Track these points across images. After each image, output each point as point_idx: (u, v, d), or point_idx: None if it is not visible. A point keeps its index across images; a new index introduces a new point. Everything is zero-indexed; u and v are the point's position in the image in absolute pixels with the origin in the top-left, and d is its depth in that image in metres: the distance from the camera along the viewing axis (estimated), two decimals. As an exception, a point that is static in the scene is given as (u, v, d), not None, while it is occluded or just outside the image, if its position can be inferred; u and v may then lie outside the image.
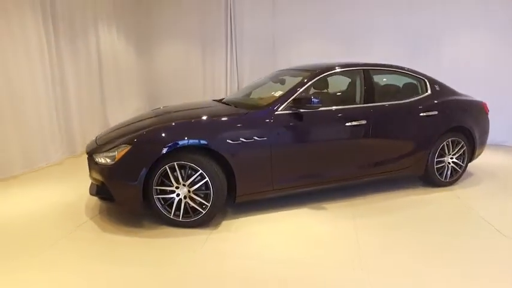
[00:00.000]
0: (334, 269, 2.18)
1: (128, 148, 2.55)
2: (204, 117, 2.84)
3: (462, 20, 5.54)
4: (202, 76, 6.50)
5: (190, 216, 2.69)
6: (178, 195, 2.65)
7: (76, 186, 3.56)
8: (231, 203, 2.88)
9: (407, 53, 5.79)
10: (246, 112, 2.91)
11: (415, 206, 3.19)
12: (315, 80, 3.12)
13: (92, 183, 2.93)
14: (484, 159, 4.79)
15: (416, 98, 3.50)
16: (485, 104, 3.88)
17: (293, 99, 2.90)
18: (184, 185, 2.64)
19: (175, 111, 3.17)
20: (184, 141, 2.57)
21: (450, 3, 5.53)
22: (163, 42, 6.60)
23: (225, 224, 2.82)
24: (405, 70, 3.63)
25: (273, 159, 2.84)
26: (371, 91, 3.31)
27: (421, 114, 3.42)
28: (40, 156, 4.20)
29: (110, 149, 2.62)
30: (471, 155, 3.77)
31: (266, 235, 2.64)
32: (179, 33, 6.50)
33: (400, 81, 3.75)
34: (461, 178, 3.87)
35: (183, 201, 2.66)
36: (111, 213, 2.95)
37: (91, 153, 2.76)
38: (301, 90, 3.01)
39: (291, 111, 2.91)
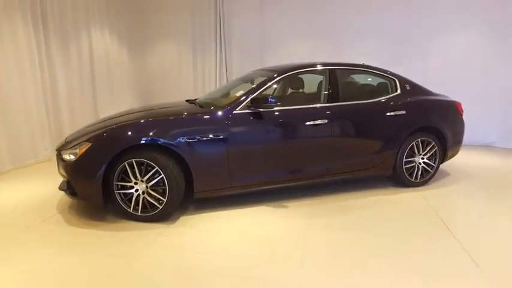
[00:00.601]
0: (274, 266, 2.23)
1: (88, 145, 2.71)
2: (163, 117, 2.96)
3: (453, 19, 5.46)
4: (193, 76, 6.65)
5: (149, 211, 2.82)
6: (137, 190, 2.79)
7: (58, 183, 3.76)
8: (194, 199, 2.99)
9: (396, 52, 5.76)
10: (206, 111, 3.02)
11: (376, 206, 3.21)
12: (274, 81, 3.20)
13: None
14: (467, 160, 4.75)
15: (383, 98, 3.52)
16: (459, 104, 3.84)
17: (251, 99, 2.98)
18: (142, 181, 2.77)
19: (141, 111, 3.32)
20: (141, 140, 2.71)
21: (440, 2, 5.46)
22: (156, 43, 6.79)
23: (183, 219, 2.93)
24: (375, 70, 3.64)
25: (230, 158, 2.93)
26: (335, 91, 3.35)
27: (388, 113, 3.43)
28: (29, 154, 4.45)
29: (73, 146, 2.78)
30: (443, 156, 3.74)
31: (220, 231, 2.73)
32: (171, 34, 6.67)
33: (370, 80, 3.76)
34: (435, 179, 3.86)
35: (141, 196, 2.80)
36: (79, 208, 3.11)
37: (59, 150, 2.94)
38: (261, 90, 3.09)
39: (249, 111, 3.00)
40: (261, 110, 2.98)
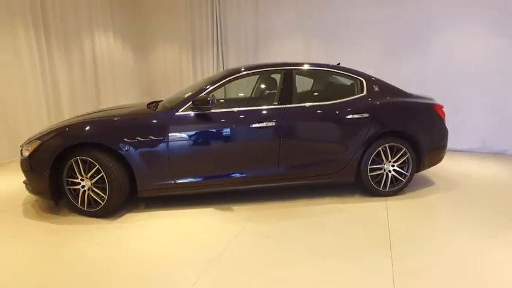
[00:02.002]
0: (180, 270, 2.22)
1: (38, 143, 2.91)
2: (108, 117, 3.06)
3: (452, 14, 4.98)
4: (193, 75, 6.81)
5: (93, 207, 2.95)
6: (83, 186, 2.93)
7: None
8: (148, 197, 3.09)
9: (391, 49, 5.40)
10: (149, 113, 3.08)
11: (327, 214, 3.03)
12: (222, 82, 3.15)
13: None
14: (464, 168, 4.33)
15: (345, 100, 3.30)
16: (438, 106, 3.48)
17: (193, 101, 2.97)
18: (87, 178, 2.91)
19: (98, 112, 3.47)
20: (82, 139, 2.84)
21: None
22: (158, 44, 7.05)
23: (129, 216, 3.02)
24: (338, 70, 3.44)
25: (171, 159, 2.96)
26: (288, 92, 3.22)
27: (348, 116, 3.21)
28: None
29: (28, 143, 3.01)
30: (418, 164, 3.41)
31: (155, 230, 2.77)
32: (172, 36, 6.90)
33: (334, 81, 3.56)
34: (413, 187, 3.55)
35: (87, 192, 2.94)
36: (44, 202, 3.34)
37: (21, 147, 3.19)
38: (207, 91, 3.08)
39: (191, 113, 3.00)
40: (200, 112, 2.97)
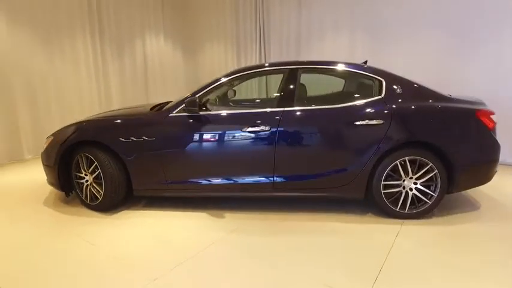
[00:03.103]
0: (140, 267, 2.18)
1: (51, 139, 3.18)
2: (108, 117, 3.17)
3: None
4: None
5: (94, 201, 3.11)
6: (87, 181, 3.12)
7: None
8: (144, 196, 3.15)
9: (453, 46, 4.55)
10: (145, 114, 3.10)
11: (320, 233, 2.66)
12: (218, 83, 3.01)
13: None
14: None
15: (355, 103, 2.85)
16: (484, 113, 2.77)
17: (185, 102, 2.89)
18: (88, 173, 3.08)
19: (112, 111, 3.64)
20: (84, 137, 3.01)
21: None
22: (206, 43, 7.25)
23: (124, 212, 3.11)
24: (355, 69, 2.99)
25: (163, 160, 2.94)
26: (290, 94, 2.91)
27: (358, 122, 2.77)
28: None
29: (47, 138, 3.31)
30: (448, 183, 2.78)
31: (139, 228, 2.79)
32: (218, 35, 7.04)
33: (350, 82, 3.10)
34: (447, 211, 2.95)
35: (89, 187, 3.11)
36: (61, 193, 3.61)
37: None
38: (203, 92, 2.98)
39: (184, 114, 2.93)
40: (191, 114, 2.89)
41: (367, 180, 2.81)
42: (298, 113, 2.85)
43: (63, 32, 5.23)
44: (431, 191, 2.80)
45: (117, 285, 2.04)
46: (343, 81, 3.19)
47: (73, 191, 3.28)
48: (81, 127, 3.11)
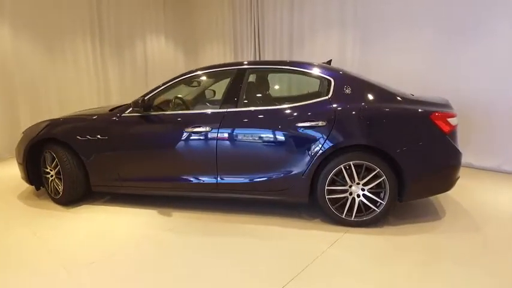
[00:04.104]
0: (65, 264, 2.28)
1: (22, 136, 3.41)
2: (73, 117, 3.33)
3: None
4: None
5: (56, 195, 3.29)
6: (52, 176, 3.31)
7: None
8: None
9: (448, 40, 4.23)
10: (103, 114, 3.21)
11: (257, 237, 2.60)
12: (168, 84, 3.04)
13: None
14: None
15: (299, 104, 2.74)
16: (439, 116, 2.53)
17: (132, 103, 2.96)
18: (52, 168, 3.26)
19: (81, 111, 3.81)
20: (48, 135, 3.18)
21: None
22: (206, 44, 7.36)
23: (84, 206, 3.24)
24: (303, 68, 2.88)
25: (115, 158, 3.04)
26: (234, 94, 2.87)
27: (299, 124, 2.66)
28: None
29: (21, 134, 3.55)
30: (397, 190, 2.59)
31: (87, 223, 2.90)
32: (218, 36, 7.11)
33: (301, 82, 2.99)
34: (405, 219, 2.75)
35: (52, 182, 3.29)
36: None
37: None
38: (153, 93, 3.03)
39: (134, 115, 3.01)
40: (139, 114, 2.96)
41: (311, 184, 2.70)
42: (239, 114, 2.81)
43: (64, 33, 5.54)
44: (380, 198, 2.63)
45: (34, 276, 2.15)
46: (294, 81, 3.09)
47: (43, 186, 3.50)
48: (48, 125, 3.30)
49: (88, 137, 3.08)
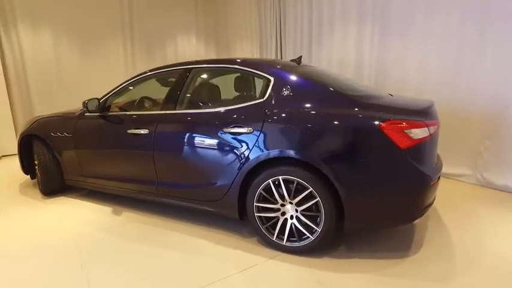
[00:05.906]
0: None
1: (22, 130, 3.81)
2: (52, 115, 3.52)
3: None
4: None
5: (39, 185, 3.58)
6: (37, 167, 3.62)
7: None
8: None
9: (470, 36, 3.31)
10: (73, 112, 3.35)
11: (174, 248, 2.40)
12: (124, 85, 3.02)
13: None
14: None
15: (232, 107, 2.41)
16: (390, 125, 1.93)
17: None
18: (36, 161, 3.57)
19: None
20: (30, 131, 3.47)
21: None
22: (236, 42, 7.25)
23: (60, 198, 3.46)
24: (244, 66, 2.52)
25: (78, 155, 3.17)
26: (174, 95, 2.69)
27: (226, 129, 2.34)
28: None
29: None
30: (341, 214, 2.07)
31: (49, 213, 3.08)
32: (246, 33, 6.96)
33: (244, 81, 2.64)
34: (361, 247, 2.24)
35: (37, 173, 3.60)
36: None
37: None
38: (111, 94, 3.05)
39: (92, 115, 3.08)
40: (95, 114, 3.01)
41: (238, 198, 2.36)
42: (174, 117, 2.62)
43: (98, 35, 6.02)
44: (316, 223, 2.15)
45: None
46: (238, 81, 2.73)
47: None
48: (34, 122, 3.59)
49: (58, 133, 3.27)
